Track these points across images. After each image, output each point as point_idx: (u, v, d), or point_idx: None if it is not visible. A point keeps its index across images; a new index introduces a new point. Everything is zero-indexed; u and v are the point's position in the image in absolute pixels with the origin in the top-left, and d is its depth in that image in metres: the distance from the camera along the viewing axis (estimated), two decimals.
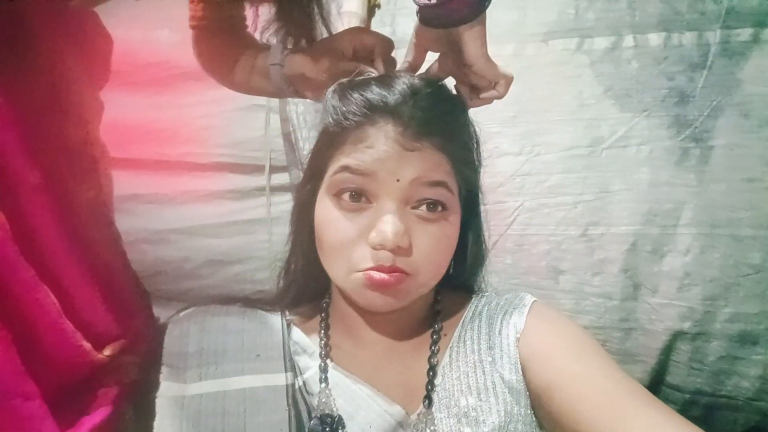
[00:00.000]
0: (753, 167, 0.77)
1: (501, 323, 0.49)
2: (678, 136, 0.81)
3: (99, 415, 0.47)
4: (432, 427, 0.45)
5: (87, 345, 0.47)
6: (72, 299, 0.47)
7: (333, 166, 0.46)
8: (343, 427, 0.45)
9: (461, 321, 0.52)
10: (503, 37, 0.87)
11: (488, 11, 0.88)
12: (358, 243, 0.44)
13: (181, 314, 0.53)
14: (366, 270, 0.44)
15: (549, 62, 0.86)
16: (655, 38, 0.85)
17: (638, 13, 0.86)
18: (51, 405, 0.43)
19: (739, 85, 0.81)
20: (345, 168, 0.45)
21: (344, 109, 0.46)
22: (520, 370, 0.46)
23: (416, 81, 0.47)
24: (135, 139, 1.02)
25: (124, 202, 1.03)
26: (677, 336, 0.75)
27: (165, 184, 1.03)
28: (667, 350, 0.76)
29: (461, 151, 0.48)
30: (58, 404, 0.44)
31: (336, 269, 0.47)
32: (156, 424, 0.45)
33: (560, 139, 0.82)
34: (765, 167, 0.77)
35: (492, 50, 0.86)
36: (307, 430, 0.46)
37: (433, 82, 0.48)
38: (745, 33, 0.82)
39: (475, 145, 0.51)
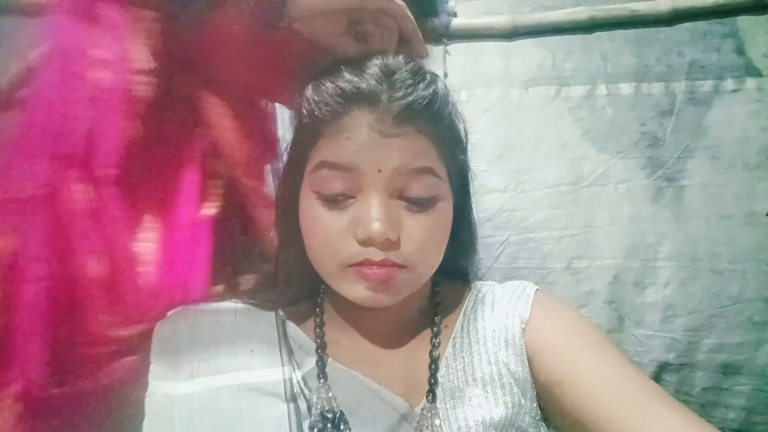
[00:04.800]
0: (726, 204, 0.82)
1: (505, 312, 0.48)
2: (652, 176, 0.86)
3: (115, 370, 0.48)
4: (437, 420, 0.44)
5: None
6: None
7: (312, 163, 0.45)
8: (345, 423, 0.43)
9: (462, 311, 0.50)
10: (490, 82, 0.92)
11: (477, 58, 0.95)
12: (346, 238, 0.43)
13: (170, 313, 0.50)
14: (356, 265, 0.43)
15: (532, 106, 0.91)
16: (626, 87, 0.92)
17: (610, 64, 0.93)
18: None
19: (705, 131, 0.87)
20: (323, 164, 0.43)
21: (317, 99, 0.44)
22: (526, 361, 0.45)
23: (390, 61, 0.45)
24: None
25: None
26: (663, 367, 0.76)
27: None
28: (655, 382, 0.76)
29: (447, 132, 0.46)
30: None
31: (325, 267, 0.45)
32: (145, 424, 0.43)
33: (544, 176, 0.86)
34: (737, 205, 0.81)
35: (479, 93, 0.92)
36: (307, 427, 0.43)
37: (408, 61, 0.46)
38: (707, 84, 0.89)
39: (460, 121, 0.49)
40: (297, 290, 0.51)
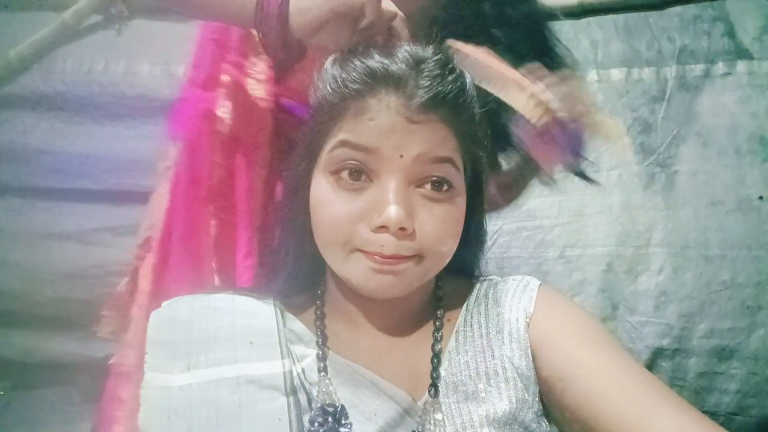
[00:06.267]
0: (716, 192, 0.82)
1: (509, 306, 0.47)
2: (644, 162, 0.86)
3: None
4: (439, 415, 0.43)
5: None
6: None
7: (331, 142, 0.43)
8: (347, 417, 0.42)
9: (465, 305, 0.49)
10: None
11: None
12: (358, 225, 0.41)
13: (165, 303, 0.49)
14: (367, 252, 0.41)
15: None
16: (617, 73, 0.91)
17: (600, 51, 0.92)
18: None
19: (696, 116, 0.87)
20: (344, 143, 0.42)
21: (344, 76, 0.43)
22: (530, 356, 0.44)
23: (420, 49, 0.44)
24: (112, 170, 1.01)
25: (96, 234, 1.00)
26: (658, 353, 0.76)
27: (139, 216, 1.01)
28: (650, 368, 0.76)
29: (468, 126, 0.45)
30: None
31: (333, 252, 0.43)
32: (141, 416, 0.42)
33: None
34: (727, 192, 0.81)
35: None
36: (307, 420, 0.43)
37: (438, 51, 0.45)
38: (698, 69, 0.88)
39: (480, 119, 0.48)
40: (297, 279, 0.50)
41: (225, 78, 0.65)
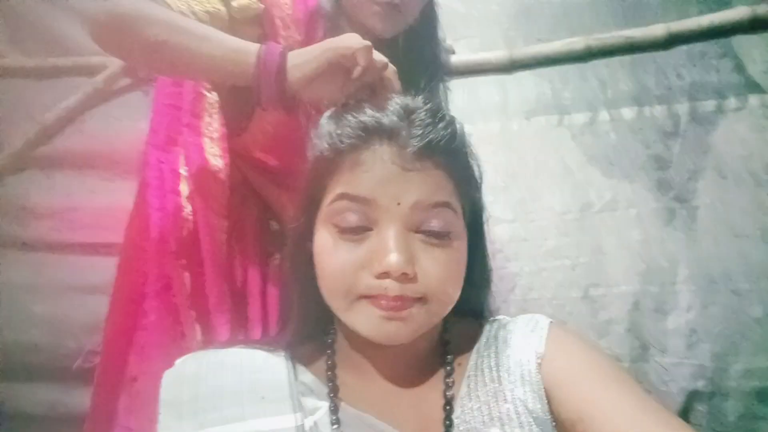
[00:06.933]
0: (738, 223, 0.80)
1: (519, 348, 0.46)
2: (663, 198, 0.85)
3: None
4: None
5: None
6: None
7: (330, 194, 0.45)
8: None
9: (476, 349, 0.49)
10: (490, 115, 0.93)
11: (474, 92, 0.96)
12: (361, 272, 0.42)
13: (178, 361, 0.49)
14: (370, 297, 0.42)
15: (533, 136, 0.91)
16: (628, 112, 0.92)
17: (610, 90, 0.94)
18: None
19: (712, 150, 0.87)
20: (343, 195, 0.44)
21: (339, 132, 0.45)
22: (545, 398, 0.43)
23: (410, 100, 0.46)
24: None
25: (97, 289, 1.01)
26: (693, 396, 0.73)
27: None
28: (685, 412, 0.73)
29: (463, 170, 0.47)
30: None
31: (338, 301, 0.44)
32: None
33: (551, 204, 0.86)
34: (751, 222, 0.80)
35: (479, 127, 0.93)
36: None
37: (427, 100, 0.47)
38: (710, 104, 0.89)
39: (474, 161, 0.49)
40: (306, 328, 0.50)
41: (182, 139, 0.69)
